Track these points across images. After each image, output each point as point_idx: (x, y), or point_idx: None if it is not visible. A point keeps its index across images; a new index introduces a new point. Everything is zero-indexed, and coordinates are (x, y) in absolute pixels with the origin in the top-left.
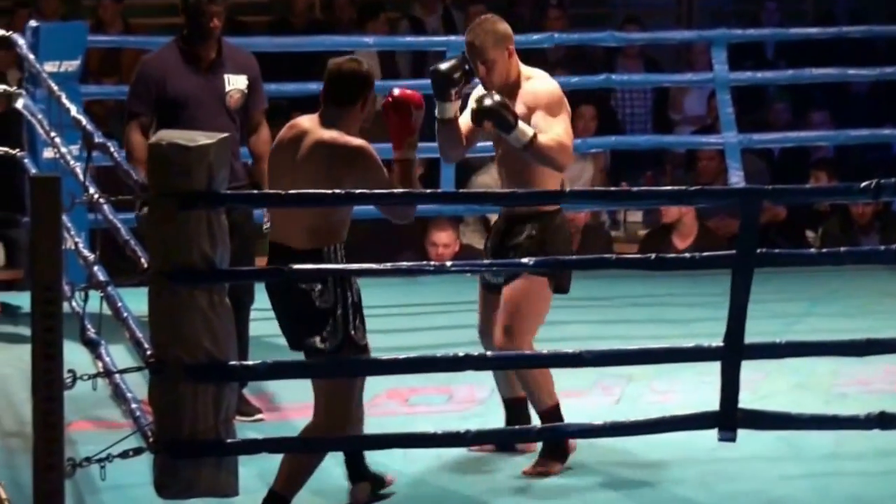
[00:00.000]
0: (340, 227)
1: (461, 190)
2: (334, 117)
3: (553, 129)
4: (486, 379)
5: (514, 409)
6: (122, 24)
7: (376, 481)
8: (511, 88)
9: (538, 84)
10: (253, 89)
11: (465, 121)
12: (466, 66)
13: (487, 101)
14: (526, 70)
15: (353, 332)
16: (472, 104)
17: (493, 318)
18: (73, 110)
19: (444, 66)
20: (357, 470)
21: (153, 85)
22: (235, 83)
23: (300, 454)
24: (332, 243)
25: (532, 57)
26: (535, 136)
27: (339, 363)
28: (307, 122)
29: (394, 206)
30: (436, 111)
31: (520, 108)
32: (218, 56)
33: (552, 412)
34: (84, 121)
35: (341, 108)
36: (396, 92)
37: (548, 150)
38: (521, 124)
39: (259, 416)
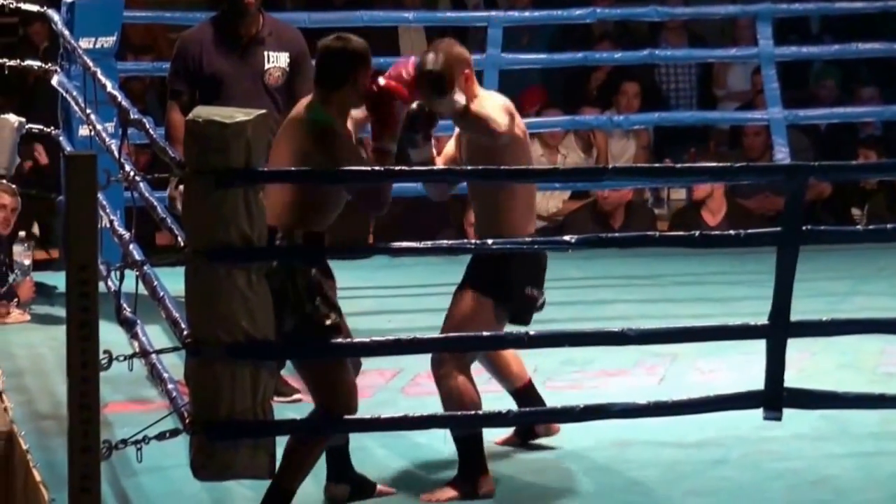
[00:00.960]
0: (312, 213)
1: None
2: (325, 99)
3: (495, 117)
4: (528, 358)
5: (524, 398)
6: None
7: (361, 486)
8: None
9: (489, 99)
10: (297, 67)
11: (449, 151)
12: (426, 108)
13: (430, 63)
14: (483, 93)
15: (311, 313)
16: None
17: None
18: (109, 86)
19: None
20: (339, 469)
21: (191, 62)
22: (276, 60)
23: (303, 443)
24: (295, 228)
25: (576, 31)
26: (467, 105)
27: (377, 343)
28: (303, 102)
29: (366, 195)
30: (446, 111)
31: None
32: (258, 32)
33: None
34: (120, 97)
35: (331, 89)
36: (382, 82)
37: (477, 118)
38: (456, 94)
39: (297, 396)
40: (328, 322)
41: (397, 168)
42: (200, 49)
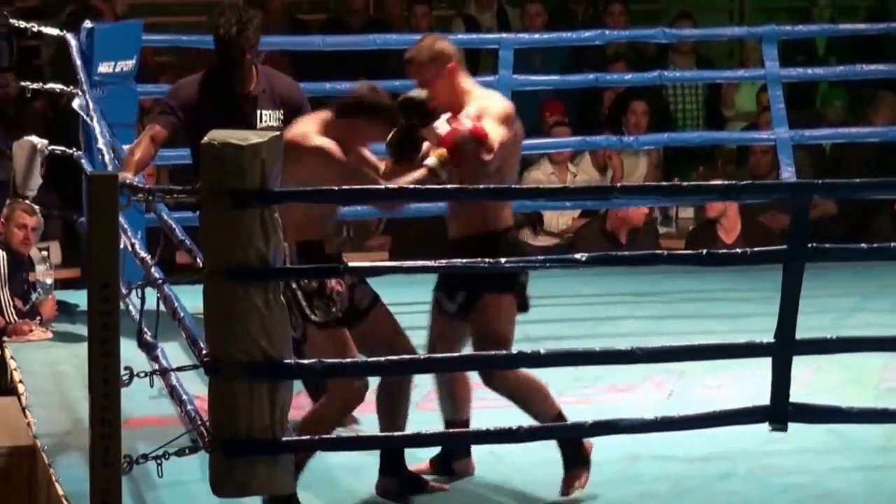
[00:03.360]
0: (307, 224)
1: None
2: (332, 125)
3: (496, 137)
4: (540, 374)
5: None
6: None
7: (411, 482)
8: (456, 108)
9: (491, 99)
10: (291, 122)
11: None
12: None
13: (414, 95)
14: (477, 91)
15: (308, 314)
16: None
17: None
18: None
19: (417, 94)
20: (391, 465)
21: (187, 110)
22: (268, 119)
23: (311, 426)
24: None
25: (588, 53)
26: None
27: (392, 363)
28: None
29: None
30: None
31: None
32: (252, 90)
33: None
34: (107, 157)
35: (339, 119)
36: (468, 127)
37: (463, 136)
38: (441, 116)
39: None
40: (327, 319)
41: (410, 186)
42: (199, 102)
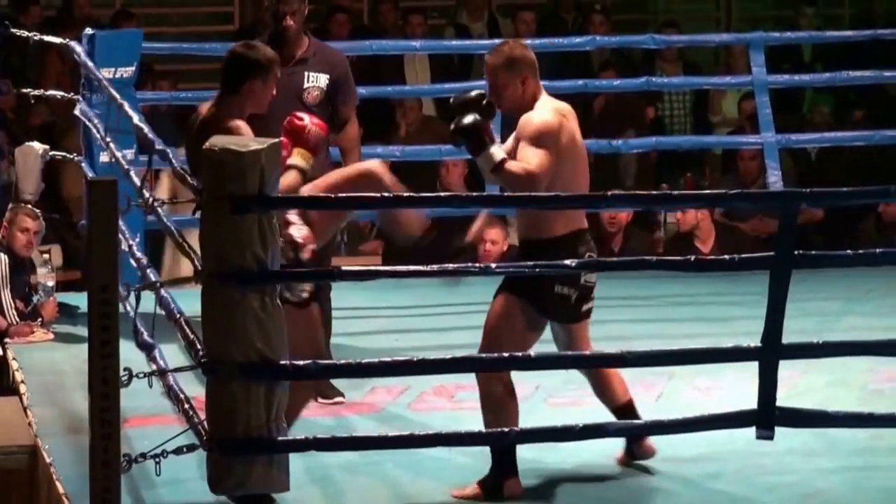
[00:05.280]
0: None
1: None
2: (222, 100)
3: (526, 158)
4: (530, 377)
5: (623, 417)
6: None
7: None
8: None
9: (534, 114)
10: (337, 87)
11: (508, 147)
12: (482, 104)
13: (465, 121)
14: (544, 102)
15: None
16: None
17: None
18: (136, 118)
19: (465, 120)
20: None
21: None
22: (315, 81)
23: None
24: None
25: (575, 59)
26: (503, 161)
27: (392, 364)
28: (206, 105)
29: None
30: (483, 165)
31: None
32: (302, 54)
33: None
34: (146, 129)
35: (225, 92)
36: (304, 122)
37: (510, 177)
38: (493, 148)
39: (339, 399)
40: (300, 298)
41: (406, 195)
42: None
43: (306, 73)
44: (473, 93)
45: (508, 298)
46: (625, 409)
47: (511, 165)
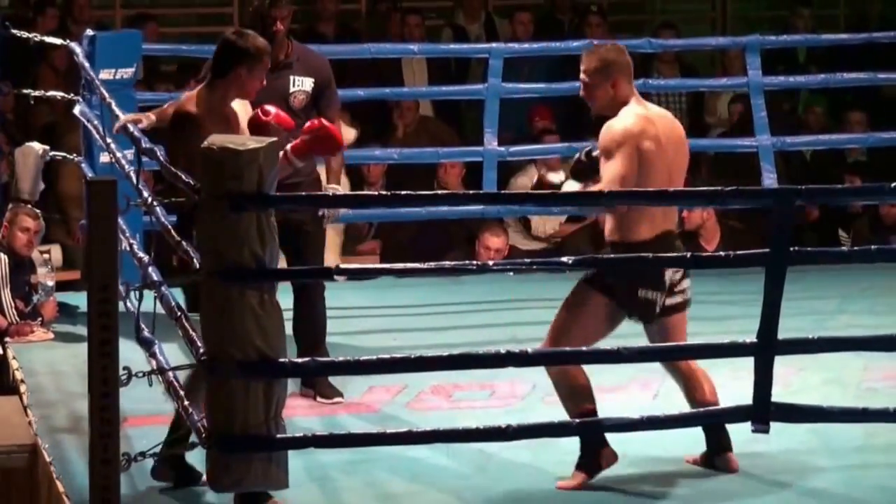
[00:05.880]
0: None
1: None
2: (211, 85)
3: (605, 175)
4: (528, 375)
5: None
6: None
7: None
8: (611, 117)
9: (612, 122)
10: (321, 92)
11: None
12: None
13: (577, 161)
14: (632, 106)
15: None
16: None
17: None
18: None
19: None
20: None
21: None
22: (300, 85)
23: None
24: None
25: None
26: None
27: (390, 361)
28: (193, 92)
29: None
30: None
31: None
32: (286, 58)
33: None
34: (132, 128)
35: (215, 77)
36: (269, 115)
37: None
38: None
39: (338, 399)
40: None
41: (403, 193)
42: None
43: (292, 78)
44: (584, 154)
45: (589, 292)
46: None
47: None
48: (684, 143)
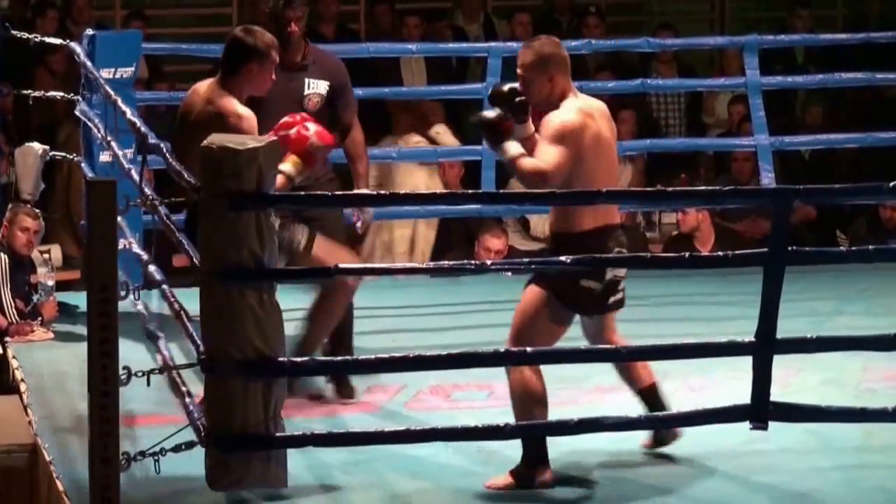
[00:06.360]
0: None
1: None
2: (223, 82)
3: (541, 156)
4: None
5: (647, 399)
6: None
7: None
8: (548, 112)
9: (556, 113)
10: (337, 94)
11: None
12: (515, 99)
13: (486, 114)
14: (571, 100)
15: None
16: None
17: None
18: (129, 113)
19: (487, 113)
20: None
21: None
22: (315, 87)
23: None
24: None
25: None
26: (516, 156)
27: (390, 360)
28: (203, 86)
29: None
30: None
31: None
32: (301, 60)
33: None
34: (139, 123)
35: (226, 74)
36: (312, 140)
37: (522, 173)
38: (508, 143)
39: (349, 399)
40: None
41: (402, 192)
42: None
43: (306, 80)
44: (507, 87)
45: (537, 291)
46: (649, 392)
47: (524, 162)
48: (615, 136)
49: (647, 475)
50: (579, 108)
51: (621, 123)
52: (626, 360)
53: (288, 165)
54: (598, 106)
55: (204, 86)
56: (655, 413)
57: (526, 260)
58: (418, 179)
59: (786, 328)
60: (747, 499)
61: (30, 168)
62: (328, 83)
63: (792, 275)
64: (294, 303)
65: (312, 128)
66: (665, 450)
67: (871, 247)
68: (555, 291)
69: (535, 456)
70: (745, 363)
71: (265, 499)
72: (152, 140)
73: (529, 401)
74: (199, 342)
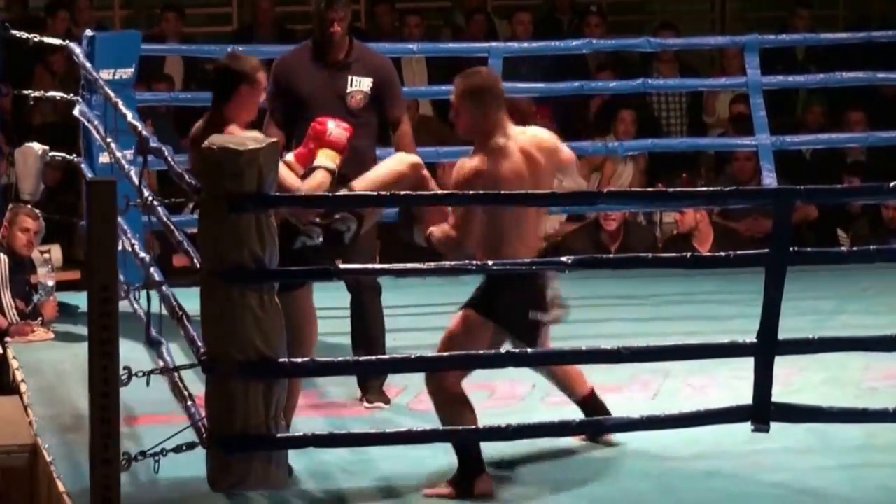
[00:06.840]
0: None
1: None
2: (216, 111)
3: (457, 213)
4: (527, 376)
5: (588, 406)
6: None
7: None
8: (475, 139)
9: (463, 162)
10: (381, 91)
11: None
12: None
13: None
14: (493, 140)
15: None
16: None
17: None
18: (130, 116)
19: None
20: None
21: (283, 82)
22: (358, 84)
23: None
24: None
25: (572, 61)
26: (429, 235)
27: (391, 361)
28: (199, 125)
29: None
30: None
31: None
32: (345, 58)
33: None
34: (139, 126)
35: (218, 104)
36: (330, 128)
37: (438, 246)
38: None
39: (380, 405)
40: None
41: (402, 193)
42: (292, 71)
43: (349, 78)
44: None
45: (471, 316)
46: (588, 400)
47: (435, 235)
48: (553, 151)
49: (649, 474)
50: (495, 148)
51: (622, 123)
52: (630, 360)
53: (323, 159)
54: (525, 139)
55: (200, 124)
56: (657, 414)
57: (527, 260)
58: None
59: (787, 327)
60: (750, 497)
61: (30, 168)
62: (371, 80)
63: (793, 273)
64: (329, 301)
65: (327, 121)
66: (667, 450)
67: (872, 247)
68: (500, 321)
69: (470, 464)
70: (747, 361)
71: (266, 499)
72: (153, 143)
73: (457, 404)
74: (199, 343)
